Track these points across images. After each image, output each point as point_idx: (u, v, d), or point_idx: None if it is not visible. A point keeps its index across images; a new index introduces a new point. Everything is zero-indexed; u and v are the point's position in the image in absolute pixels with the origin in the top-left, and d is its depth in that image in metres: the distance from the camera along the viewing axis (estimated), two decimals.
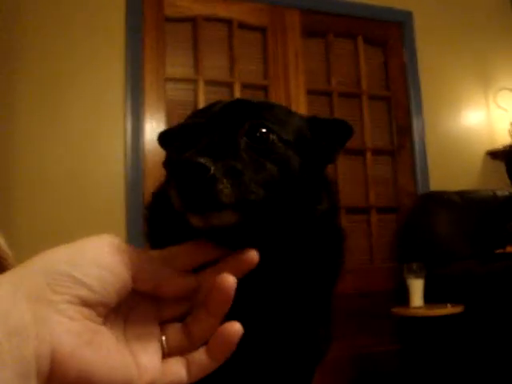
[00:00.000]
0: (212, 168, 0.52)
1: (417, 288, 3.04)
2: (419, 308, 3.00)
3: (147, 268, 0.47)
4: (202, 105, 3.21)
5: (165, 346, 0.48)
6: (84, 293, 0.41)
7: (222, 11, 3.45)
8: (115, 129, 3.09)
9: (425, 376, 3.06)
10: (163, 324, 0.50)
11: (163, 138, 0.82)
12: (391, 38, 3.91)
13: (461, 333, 2.94)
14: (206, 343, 0.48)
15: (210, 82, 3.33)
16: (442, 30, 4.08)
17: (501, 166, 3.97)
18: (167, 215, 0.60)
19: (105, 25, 3.16)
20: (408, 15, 3.95)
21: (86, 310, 0.41)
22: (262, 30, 3.56)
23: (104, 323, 0.44)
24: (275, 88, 3.45)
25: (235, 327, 0.46)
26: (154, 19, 3.28)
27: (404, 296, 3.09)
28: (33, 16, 3.00)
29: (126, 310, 0.48)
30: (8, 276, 0.40)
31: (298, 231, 0.65)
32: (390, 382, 3.33)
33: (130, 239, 2.93)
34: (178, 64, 3.34)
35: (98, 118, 3.06)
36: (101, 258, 0.43)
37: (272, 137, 0.63)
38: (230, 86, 3.41)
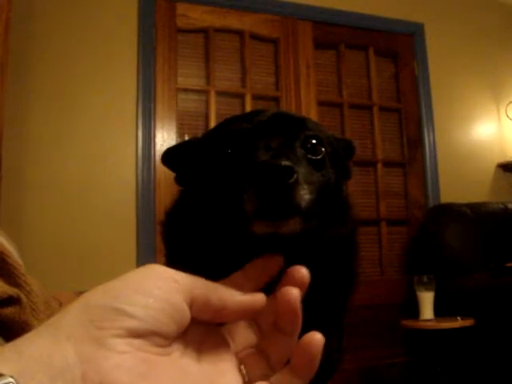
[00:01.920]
0: (296, 174, 0.51)
1: (427, 300, 3.03)
2: (429, 321, 2.98)
3: (201, 291, 0.44)
4: (213, 115, 3.23)
5: (244, 373, 0.45)
6: (130, 323, 0.38)
7: (233, 22, 3.47)
8: (127, 138, 3.10)
9: None
10: (238, 352, 0.47)
11: (168, 157, 0.76)
12: (402, 50, 3.91)
13: (471, 346, 2.92)
14: (285, 363, 0.45)
15: (221, 93, 3.35)
16: (454, 42, 4.08)
17: None
18: (190, 233, 0.59)
19: (117, 35, 3.18)
20: (419, 27, 3.95)
21: (137, 342, 0.39)
22: (274, 41, 3.58)
23: (167, 354, 0.41)
24: (286, 99, 3.46)
25: (316, 337, 0.43)
26: (166, 30, 3.30)
27: (414, 308, 3.08)
28: (46, 27, 3.03)
29: (197, 341, 0.45)
30: (49, 321, 0.39)
31: (330, 246, 0.64)
32: None
33: (141, 247, 2.94)
34: (190, 75, 3.36)
35: (109, 127, 3.08)
36: (145, 285, 0.41)
37: (323, 149, 0.63)
38: (241, 96, 3.42)
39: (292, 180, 0.50)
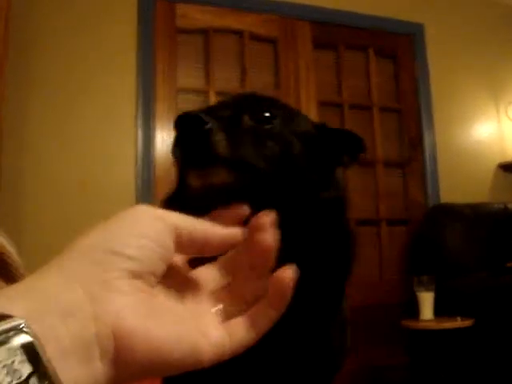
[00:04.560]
0: (209, 122, 0.56)
1: (427, 301, 3.03)
2: (429, 321, 2.98)
3: (186, 227, 0.45)
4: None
5: (221, 311, 0.47)
6: (130, 265, 0.39)
7: (233, 23, 3.47)
8: (126, 138, 3.10)
9: None
10: (213, 293, 0.49)
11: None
12: (402, 50, 3.91)
13: (471, 346, 2.92)
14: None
15: (221, 93, 3.34)
16: (454, 43, 4.08)
17: None
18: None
19: (117, 35, 3.18)
20: (419, 27, 3.95)
21: (137, 283, 0.40)
22: (273, 41, 3.57)
23: (156, 295, 0.42)
24: (286, 99, 3.43)
25: (288, 271, 0.45)
26: (165, 30, 3.30)
27: (414, 309, 3.08)
28: (45, 26, 3.03)
29: (175, 283, 0.46)
30: (50, 264, 0.39)
31: (302, 214, 0.66)
32: None
33: None
34: (190, 75, 3.36)
35: (109, 127, 3.08)
36: (138, 227, 0.42)
37: (275, 121, 0.67)
38: None
39: (205, 128, 0.55)
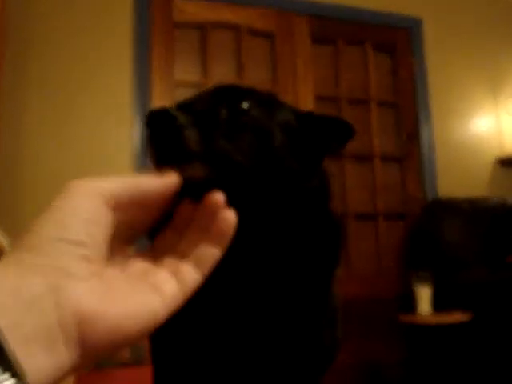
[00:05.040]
0: (180, 117, 0.55)
1: (424, 295, 3.03)
2: (427, 315, 2.98)
3: (124, 193, 0.47)
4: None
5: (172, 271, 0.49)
6: (81, 250, 0.41)
7: (230, 17, 3.45)
8: (124, 133, 3.10)
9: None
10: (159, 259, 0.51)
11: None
12: (400, 45, 3.90)
13: (468, 341, 2.92)
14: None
15: None
16: (452, 37, 4.07)
17: (510, 173, 3.96)
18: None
19: (113, 30, 3.17)
20: (417, 22, 3.94)
21: (90, 266, 0.41)
22: (271, 36, 3.56)
23: (105, 270, 0.44)
24: (283, 94, 3.44)
25: (231, 211, 0.50)
26: (162, 25, 3.29)
27: (411, 303, 3.08)
28: (42, 24, 3.02)
29: (118, 254, 0.49)
30: (8, 258, 0.40)
31: (284, 205, 0.66)
32: None
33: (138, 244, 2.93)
34: (187, 70, 3.35)
35: (106, 122, 3.08)
36: (84, 211, 0.43)
37: (253, 112, 0.66)
38: None
39: (175, 123, 0.55)
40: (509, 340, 2.76)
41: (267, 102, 0.71)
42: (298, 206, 0.67)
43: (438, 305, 3.03)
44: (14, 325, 0.35)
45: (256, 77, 3.47)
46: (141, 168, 3.06)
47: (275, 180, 0.65)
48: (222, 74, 3.40)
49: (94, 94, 3.07)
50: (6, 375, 0.33)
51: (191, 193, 0.53)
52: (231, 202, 0.51)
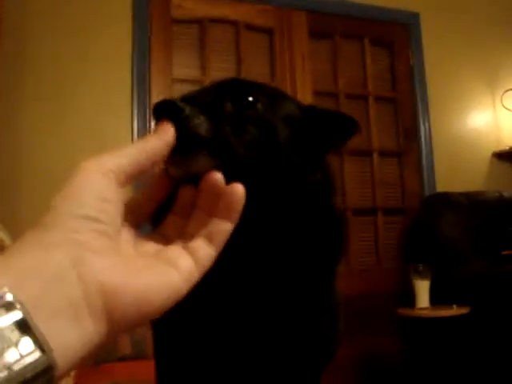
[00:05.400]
0: (187, 108, 0.56)
1: (423, 289, 3.04)
2: (425, 309, 3.00)
3: (129, 166, 0.48)
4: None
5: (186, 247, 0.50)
6: (99, 226, 0.42)
7: (228, 13, 3.46)
8: (122, 129, 3.10)
9: (430, 377, 3.06)
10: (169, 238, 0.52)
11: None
12: (398, 40, 3.91)
13: (467, 334, 2.94)
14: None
15: None
16: (449, 32, 4.08)
17: (507, 167, 3.98)
18: None
19: (112, 26, 3.17)
20: (415, 17, 3.95)
21: (107, 241, 0.42)
22: (269, 31, 3.57)
23: (121, 245, 0.46)
24: (282, 89, 3.44)
25: (238, 186, 0.50)
26: (160, 21, 3.29)
27: (410, 297, 3.09)
28: (41, 18, 3.02)
29: (130, 232, 0.50)
30: (28, 239, 0.40)
31: (288, 199, 0.66)
32: (395, 382, 3.33)
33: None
34: (185, 65, 3.35)
35: (105, 118, 3.07)
36: (97, 189, 0.44)
37: (258, 106, 0.66)
38: None
39: (182, 114, 0.55)
40: (506, 333, 2.77)
41: (272, 95, 0.71)
42: (302, 199, 0.68)
43: (437, 298, 3.04)
44: (38, 299, 0.36)
45: (255, 72, 3.47)
46: None
47: (279, 173, 0.65)
48: (221, 69, 3.40)
49: (92, 89, 3.06)
50: (32, 349, 0.34)
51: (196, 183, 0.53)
52: None
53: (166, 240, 0.51)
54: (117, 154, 0.48)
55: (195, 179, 0.53)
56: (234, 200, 0.50)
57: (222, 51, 3.43)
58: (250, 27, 3.51)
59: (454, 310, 2.87)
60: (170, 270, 0.45)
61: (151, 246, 0.50)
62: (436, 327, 3.01)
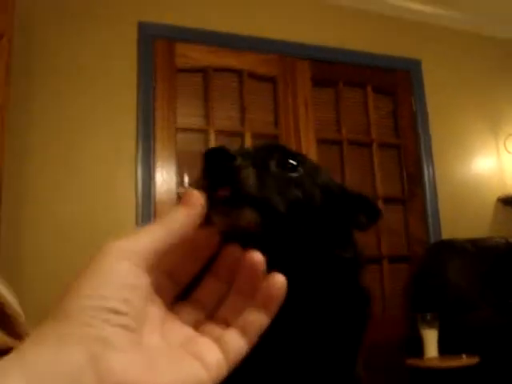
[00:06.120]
0: (238, 158, 0.55)
1: (431, 338, 3.00)
2: (433, 359, 2.95)
3: (154, 251, 0.44)
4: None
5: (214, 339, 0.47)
6: (122, 320, 0.39)
7: (232, 62, 3.50)
8: (127, 177, 3.11)
9: None
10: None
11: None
12: (400, 86, 3.94)
13: None
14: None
15: (220, 132, 3.36)
16: (451, 78, 4.12)
17: None
18: None
19: (117, 75, 3.21)
20: (416, 64, 3.99)
21: (130, 335, 0.40)
22: (272, 79, 3.60)
23: (143, 337, 0.42)
24: (286, 137, 3.47)
25: (279, 277, 0.46)
26: (165, 70, 3.33)
27: (417, 346, 3.04)
28: (45, 67, 3.05)
29: (156, 322, 0.46)
30: (45, 331, 0.38)
31: (320, 271, 0.66)
32: None
33: None
34: (189, 114, 3.37)
35: (109, 166, 3.09)
36: (119, 277, 0.41)
37: (300, 170, 0.68)
38: (240, 135, 3.43)
39: (233, 164, 0.55)
40: None
41: (311, 164, 0.74)
42: (333, 274, 0.68)
43: (445, 347, 2.99)
44: None
45: (258, 120, 3.50)
46: (143, 208, 3.06)
47: (313, 240, 0.65)
48: (225, 117, 3.43)
49: (97, 136, 3.09)
50: None
51: (237, 240, 0.51)
52: (270, 262, 0.49)
53: (199, 318, 0.49)
54: (142, 236, 0.45)
55: (238, 233, 0.52)
56: (274, 292, 0.46)
57: (225, 100, 3.46)
58: (254, 76, 3.55)
59: (464, 361, 2.81)
60: (198, 366, 0.42)
61: (181, 332, 0.46)
62: (445, 377, 2.95)
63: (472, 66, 4.24)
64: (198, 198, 0.48)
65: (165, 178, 3.16)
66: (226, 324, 0.47)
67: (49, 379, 0.34)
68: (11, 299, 0.87)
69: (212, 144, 3.28)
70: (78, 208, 2.96)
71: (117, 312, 0.39)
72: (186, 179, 3.23)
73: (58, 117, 3.03)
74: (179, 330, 0.47)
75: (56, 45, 3.12)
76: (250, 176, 0.56)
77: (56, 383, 0.34)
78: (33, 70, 3.03)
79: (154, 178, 3.14)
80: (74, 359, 0.36)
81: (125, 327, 0.39)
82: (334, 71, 3.76)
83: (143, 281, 0.43)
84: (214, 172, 0.55)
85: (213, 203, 0.51)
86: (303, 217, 0.64)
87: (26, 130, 2.95)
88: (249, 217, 0.55)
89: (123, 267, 0.42)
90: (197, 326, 0.48)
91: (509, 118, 4.23)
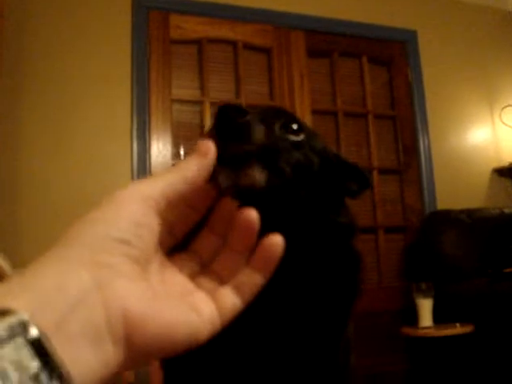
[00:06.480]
0: (249, 115, 0.56)
1: (426, 308, 3.03)
2: (428, 328, 2.98)
3: (168, 195, 0.45)
4: (208, 126, 3.22)
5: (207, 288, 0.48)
6: (131, 251, 0.40)
7: (226, 33, 3.47)
8: (122, 150, 3.10)
9: None
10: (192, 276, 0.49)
11: None
12: (396, 57, 3.92)
13: (470, 353, 2.91)
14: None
15: (215, 104, 3.34)
16: (447, 49, 4.10)
17: (507, 183, 3.98)
18: None
19: (111, 47, 3.18)
20: (412, 34, 3.96)
21: (137, 268, 0.40)
22: (267, 51, 3.58)
23: (149, 278, 0.43)
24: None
25: (276, 237, 0.47)
26: (159, 41, 3.30)
27: (413, 315, 3.07)
28: (39, 37, 3.03)
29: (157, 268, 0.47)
30: (49, 255, 0.38)
31: (316, 235, 0.67)
32: None
33: None
34: (184, 86, 3.36)
35: (104, 139, 3.07)
36: (132, 213, 0.42)
37: (302, 135, 0.70)
38: None
39: (243, 119, 0.55)
40: (510, 351, 2.75)
41: (310, 130, 0.75)
42: (325, 235, 0.69)
43: (439, 316, 3.02)
44: (60, 322, 0.34)
45: (253, 91, 3.48)
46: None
47: (309, 204, 0.66)
48: (220, 89, 3.41)
49: (92, 109, 3.07)
50: (50, 376, 0.32)
51: (242, 200, 0.51)
52: (266, 223, 0.49)
53: (195, 269, 0.49)
54: (156, 180, 0.45)
55: (244, 193, 0.53)
56: (272, 253, 0.47)
57: (220, 71, 3.44)
58: (249, 47, 3.53)
59: (458, 329, 2.84)
60: (194, 315, 0.43)
61: (178, 281, 0.47)
62: (440, 346, 2.99)
63: (468, 38, 4.21)
64: (210, 148, 0.48)
65: (160, 149, 3.16)
66: (221, 279, 0.48)
67: (55, 300, 0.34)
68: (3, 262, 0.87)
69: (207, 115, 3.28)
70: (73, 182, 2.95)
71: (126, 242, 0.40)
72: (182, 150, 3.23)
73: (52, 90, 3.01)
74: (178, 280, 0.47)
75: (51, 19, 3.08)
76: (261, 134, 0.58)
77: (62, 306, 0.34)
78: (25, 45, 3.00)
79: (149, 149, 3.14)
80: (80, 284, 0.36)
81: (134, 259, 0.40)
82: (330, 42, 3.74)
83: (155, 222, 0.43)
84: (226, 126, 0.55)
85: (221, 157, 0.51)
86: (303, 180, 0.65)
87: (20, 105, 2.93)
88: (256, 174, 0.55)
89: (139, 206, 0.42)
90: (192, 277, 0.48)
91: (504, 90, 4.22)
